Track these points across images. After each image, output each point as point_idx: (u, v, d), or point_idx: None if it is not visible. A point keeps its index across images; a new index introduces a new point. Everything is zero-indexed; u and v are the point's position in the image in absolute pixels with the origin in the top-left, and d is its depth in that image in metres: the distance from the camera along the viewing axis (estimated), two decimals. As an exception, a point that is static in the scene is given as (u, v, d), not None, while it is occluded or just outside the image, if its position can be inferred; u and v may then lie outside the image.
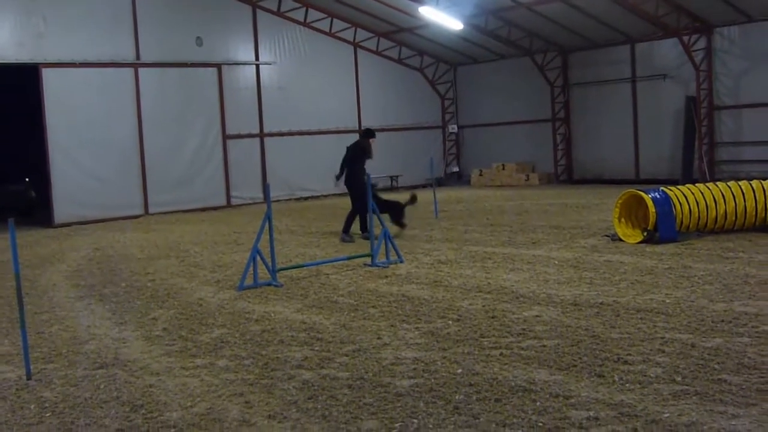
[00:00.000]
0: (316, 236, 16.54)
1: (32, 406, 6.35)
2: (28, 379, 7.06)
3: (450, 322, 8.41)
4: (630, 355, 6.81)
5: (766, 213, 13.33)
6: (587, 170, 27.97)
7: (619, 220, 13.57)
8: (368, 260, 12.37)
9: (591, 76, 27.41)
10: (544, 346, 7.24)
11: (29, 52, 22.16)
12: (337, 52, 28.93)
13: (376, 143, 16.23)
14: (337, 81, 28.97)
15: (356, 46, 29.43)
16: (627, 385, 6.05)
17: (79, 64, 22.90)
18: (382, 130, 29.70)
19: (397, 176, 29.78)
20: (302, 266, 12.19)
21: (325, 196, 27.61)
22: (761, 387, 5.85)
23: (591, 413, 5.50)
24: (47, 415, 6.14)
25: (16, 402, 6.48)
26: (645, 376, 6.23)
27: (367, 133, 16.08)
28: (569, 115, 28.36)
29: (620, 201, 13.53)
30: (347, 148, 15.96)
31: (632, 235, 13.26)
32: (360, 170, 15.48)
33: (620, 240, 13.25)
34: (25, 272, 13.04)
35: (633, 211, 13.65)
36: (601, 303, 8.84)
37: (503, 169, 29.39)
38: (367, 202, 12.59)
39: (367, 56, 29.78)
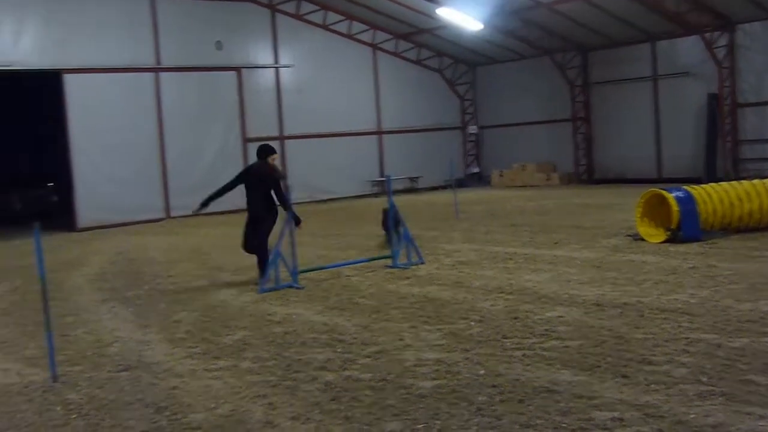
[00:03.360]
0: (336, 238, 16.55)
1: (58, 408, 6.40)
2: (54, 381, 7.11)
3: (472, 323, 8.38)
4: (654, 355, 6.76)
5: (790, 211, 13.20)
6: (608, 170, 27.80)
7: (642, 220, 13.48)
8: (389, 262, 12.37)
9: (611, 74, 27.24)
10: (567, 346, 7.21)
11: (52, 59, 22.34)
12: (356, 54, 28.96)
13: (277, 159, 11.98)
14: (356, 83, 29.00)
15: (375, 48, 29.44)
16: (652, 385, 6.01)
17: (101, 69, 23.06)
18: (402, 131, 29.81)
19: (416, 177, 29.76)
20: (323, 268, 12.21)
21: (346, 198, 27.63)
22: (788, 387, 5.79)
23: (615, 414, 5.47)
24: (73, 416, 6.18)
25: (42, 404, 6.53)
26: (670, 376, 6.18)
27: (263, 151, 11.69)
28: (590, 114, 28.21)
29: (642, 200, 13.44)
30: (240, 173, 12.23)
31: (655, 235, 13.17)
32: (263, 198, 11.57)
33: (643, 240, 13.17)
34: (50, 276, 13.07)
35: (656, 210, 13.55)
36: (624, 303, 8.79)
37: (524, 169, 29.29)
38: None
39: (385, 58, 29.78)
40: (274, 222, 11.56)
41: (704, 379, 6.06)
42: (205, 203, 11.57)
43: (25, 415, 6.30)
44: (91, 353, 8.10)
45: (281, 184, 11.65)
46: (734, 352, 6.71)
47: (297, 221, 11.34)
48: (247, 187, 11.61)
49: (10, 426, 6.06)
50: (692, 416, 5.33)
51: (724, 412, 5.36)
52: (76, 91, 22.68)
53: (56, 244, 18.90)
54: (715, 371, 6.23)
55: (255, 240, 11.51)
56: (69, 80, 22.61)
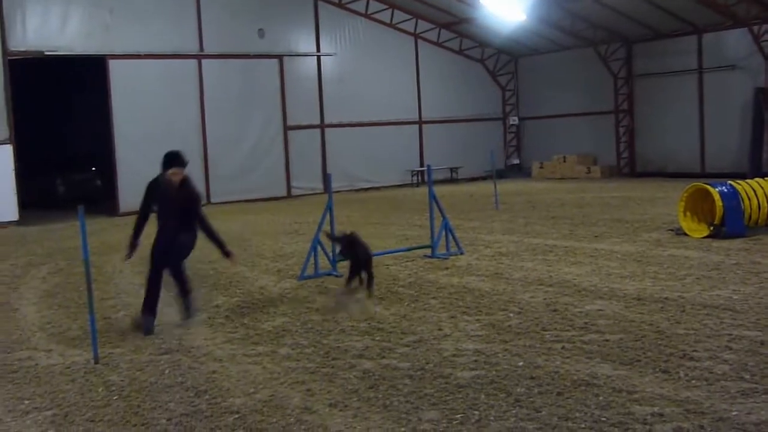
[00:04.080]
0: (376, 227, 16.56)
1: (100, 389, 6.50)
2: (96, 362, 7.22)
3: (511, 314, 8.35)
4: (696, 351, 6.68)
5: (838, 208, 12.94)
6: (650, 163, 27.47)
7: (684, 214, 13.30)
8: (429, 252, 12.35)
9: (656, 67, 26.87)
10: (607, 340, 7.15)
11: (97, 44, 22.61)
12: (397, 44, 28.90)
13: (182, 173, 8.71)
14: (397, 72, 28.95)
15: (417, 37, 29.35)
16: (693, 381, 5.94)
17: (145, 55, 23.29)
18: (442, 121, 29.73)
19: (457, 168, 29.66)
20: (362, 257, 12.21)
21: (385, 187, 27.63)
22: (834, 386, 5.69)
23: (656, 409, 5.41)
24: (114, 398, 6.28)
25: (84, 385, 6.63)
26: (712, 373, 6.10)
27: (169, 161, 8.72)
28: (633, 106, 27.88)
29: (686, 194, 13.26)
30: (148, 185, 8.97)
31: (697, 230, 12.99)
32: (168, 223, 8.75)
33: (685, 234, 13.00)
34: (92, 259, 13.26)
35: (699, 205, 13.36)
36: (665, 298, 8.69)
37: (564, 161, 29.07)
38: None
39: (427, 47, 29.68)
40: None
41: (747, 377, 5.97)
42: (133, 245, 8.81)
43: (67, 395, 6.40)
44: (132, 336, 8.20)
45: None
46: (778, 349, 6.61)
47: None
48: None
49: (52, 406, 6.17)
50: (734, 413, 5.26)
51: (767, 410, 5.28)
52: (120, 76, 22.95)
53: (98, 227, 19.16)
54: (758, 368, 6.14)
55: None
56: (113, 66, 22.88)
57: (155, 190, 8.69)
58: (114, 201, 23.13)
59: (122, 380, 6.70)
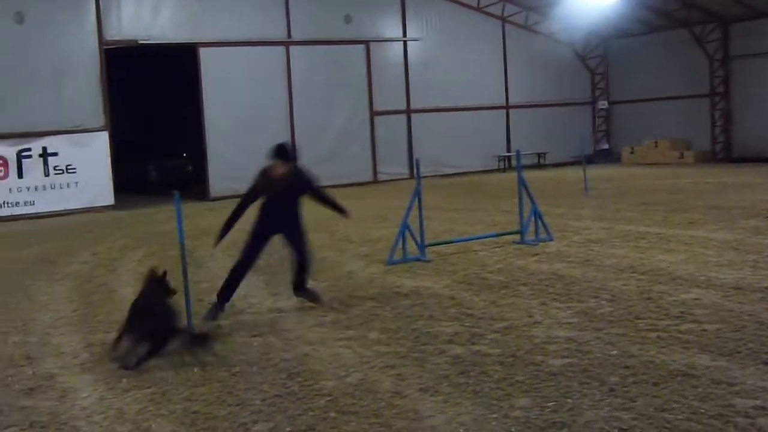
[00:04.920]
0: (463, 212, 16.48)
1: (195, 369, 6.64)
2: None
3: (603, 302, 8.20)
4: (800, 342, 6.44)
5: None
6: (748, 148, 26.53)
7: (785, 201, 12.82)
8: (517, 238, 12.23)
9: (754, 47, 25.89)
10: (705, 330, 6.95)
11: (187, 32, 23.07)
12: (484, 27, 28.62)
13: (283, 167, 8.57)
14: (484, 56, 28.69)
15: (504, 20, 29.00)
16: (797, 374, 5.73)
17: (234, 43, 23.66)
18: (530, 106, 29.35)
19: (544, 153, 29.27)
20: (451, 242, 12.19)
21: (472, 172, 27.46)
22: None
23: (758, 402, 5.24)
24: (209, 378, 6.41)
25: (180, 365, 6.78)
26: (817, 365, 5.88)
27: (278, 153, 8.67)
28: (729, 89, 26.97)
29: (786, 180, 12.78)
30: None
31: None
32: (272, 213, 8.73)
33: (786, 221, 12.54)
34: (185, 243, 13.61)
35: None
36: (766, 287, 8.39)
37: (656, 146, 28.34)
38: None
39: (514, 30, 29.30)
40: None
41: None
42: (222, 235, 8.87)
43: (164, 374, 6.56)
44: (226, 319, 8.36)
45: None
46: None
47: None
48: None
49: (151, 384, 6.34)
50: (843, 408, 5.05)
51: None
52: (210, 63, 23.37)
53: (190, 212, 19.57)
54: None
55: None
56: (204, 53, 23.31)
57: (259, 181, 8.72)
58: (204, 186, 23.62)
59: (216, 361, 6.84)
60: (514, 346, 6.79)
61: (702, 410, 5.17)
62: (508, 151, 28.49)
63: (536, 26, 29.51)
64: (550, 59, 29.99)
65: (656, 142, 28.35)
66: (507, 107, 29.27)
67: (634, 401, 5.40)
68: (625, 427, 4.98)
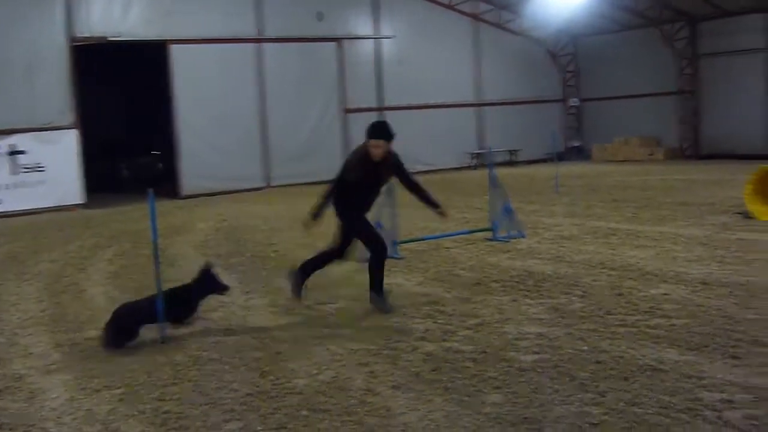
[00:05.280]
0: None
1: (167, 368, 6.61)
2: (162, 342, 7.34)
3: (574, 298, 8.26)
4: (767, 337, 6.52)
5: None
6: (716, 145, 26.81)
7: (752, 197, 12.98)
8: (490, 234, 12.28)
9: (723, 46, 26.15)
10: (674, 325, 7.03)
11: (158, 29, 22.88)
12: (457, 25, 28.67)
13: (385, 147, 8.02)
14: (456, 54, 28.74)
15: (476, 18, 29.07)
16: (764, 368, 5.81)
17: (205, 40, 23.51)
18: (502, 103, 29.45)
19: (516, 150, 29.40)
20: (423, 239, 12.22)
21: (444, 170, 27.51)
22: None
23: (725, 395, 5.32)
24: (180, 377, 6.38)
25: (152, 364, 6.75)
26: (783, 359, 5.96)
27: (380, 132, 8.05)
28: (698, 87, 27.23)
29: (755, 177, 12.94)
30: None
31: (766, 213, 12.67)
32: (345, 196, 8.23)
33: (753, 218, 12.69)
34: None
35: (767, 187, 13.03)
36: (733, 282, 8.50)
37: (626, 143, 28.57)
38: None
39: (487, 28, 29.37)
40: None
41: (821, 363, 5.82)
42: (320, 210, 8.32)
43: (135, 374, 6.52)
44: (197, 317, 8.31)
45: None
46: None
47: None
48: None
49: (121, 384, 6.30)
50: (808, 401, 5.13)
51: (843, 398, 5.14)
52: (181, 61, 23.21)
53: (161, 210, 19.40)
54: (832, 355, 5.98)
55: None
56: (175, 51, 23.13)
57: (355, 163, 8.10)
58: (175, 184, 23.48)
59: (188, 360, 6.81)
60: (486, 343, 6.83)
61: (671, 404, 5.23)
62: (481, 148, 28.57)
63: (508, 24, 29.61)
64: (522, 57, 30.11)
65: (626, 140, 28.58)
66: (480, 104, 29.34)
67: (604, 396, 5.45)
68: (595, 422, 5.03)
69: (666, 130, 28.14)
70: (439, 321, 7.64)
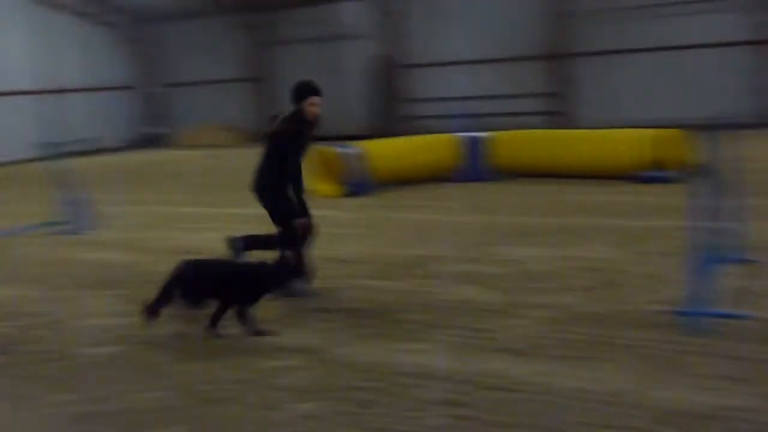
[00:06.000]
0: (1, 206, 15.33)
1: None
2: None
3: (152, 287, 8.17)
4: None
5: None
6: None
7: (318, 178, 13.88)
8: (63, 228, 11.68)
9: (298, 35, 27.68)
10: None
11: None
12: (12, 9, 26.40)
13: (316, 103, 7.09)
14: (7, 38, 26.22)
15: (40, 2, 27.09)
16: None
17: None
18: (77, 90, 27.94)
19: (95, 139, 27.95)
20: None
21: (11, 162, 25.25)
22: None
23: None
24: None
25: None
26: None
27: (312, 90, 7.12)
28: (272, 74, 28.41)
29: (319, 160, 13.92)
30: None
31: (330, 189, 13.74)
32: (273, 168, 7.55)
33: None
34: None
35: (331, 168, 14.10)
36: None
37: (206, 129, 28.83)
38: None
39: (46, 12, 27.25)
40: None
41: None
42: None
43: None
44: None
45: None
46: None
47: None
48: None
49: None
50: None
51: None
52: None
53: None
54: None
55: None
56: None
57: (287, 129, 7.16)
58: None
59: None
60: (59, 340, 6.54)
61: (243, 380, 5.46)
62: (47, 139, 26.67)
63: (77, 8, 28.12)
64: (89, 42, 28.86)
65: (208, 125, 28.93)
66: (48, 92, 27.20)
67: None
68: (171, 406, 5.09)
69: (245, 115, 28.97)
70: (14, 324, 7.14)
